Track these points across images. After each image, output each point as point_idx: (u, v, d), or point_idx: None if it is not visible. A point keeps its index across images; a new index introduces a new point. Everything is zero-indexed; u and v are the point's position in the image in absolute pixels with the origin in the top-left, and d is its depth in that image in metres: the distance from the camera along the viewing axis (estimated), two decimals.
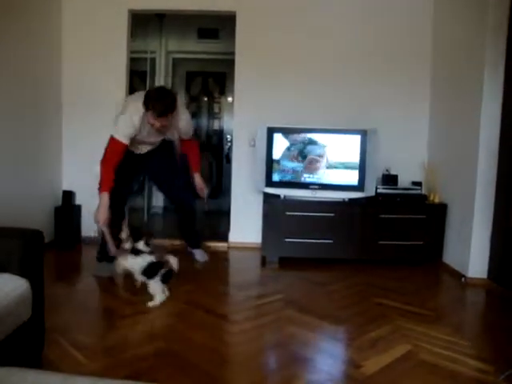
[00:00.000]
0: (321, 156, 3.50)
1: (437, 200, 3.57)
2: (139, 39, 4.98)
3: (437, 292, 3.11)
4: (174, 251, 3.66)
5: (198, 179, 3.22)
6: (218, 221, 4.50)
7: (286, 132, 3.50)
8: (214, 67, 5.79)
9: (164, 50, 5.63)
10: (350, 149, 3.49)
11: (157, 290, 2.50)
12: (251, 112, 3.91)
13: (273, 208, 3.46)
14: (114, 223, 2.69)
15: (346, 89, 3.91)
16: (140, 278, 2.54)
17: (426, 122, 3.93)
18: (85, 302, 2.60)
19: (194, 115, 5.78)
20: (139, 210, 5.09)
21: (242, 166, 3.98)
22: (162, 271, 2.49)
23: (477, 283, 3.07)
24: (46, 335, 1.81)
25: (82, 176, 3.78)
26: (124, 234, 2.61)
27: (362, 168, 3.46)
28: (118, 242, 2.65)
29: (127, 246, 2.60)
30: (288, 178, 3.52)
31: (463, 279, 3.14)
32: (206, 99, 5.98)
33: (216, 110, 5.99)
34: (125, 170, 2.92)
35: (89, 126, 3.91)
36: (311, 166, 3.50)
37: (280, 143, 3.50)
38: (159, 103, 2.60)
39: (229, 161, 5.47)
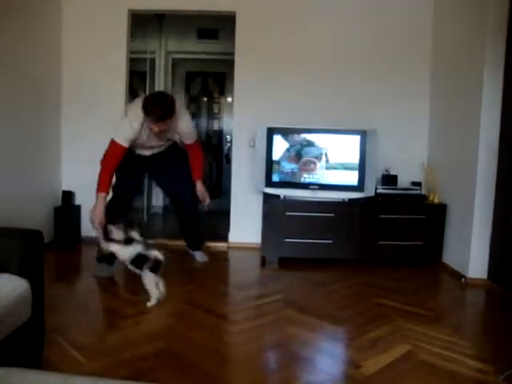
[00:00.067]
0: (317, 157, 3.50)
1: (436, 200, 3.58)
2: (139, 39, 4.98)
3: (436, 292, 3.11)
4: (173, 251, 3.67)
5: (199, 187, 3.17)
6: (218, 221, 4.49)
7: (285, 132, 3.50)
8: (213, 67, 5.79)
9: (164, 50, 5.63)
10: (349, 149, 3.49)
11: (150, 282, 2.51)
12: (251, 112, 3.91)
13: (273, 208, 3.46)
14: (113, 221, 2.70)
15: (346, 89, 3.91)
16: (130, 267, 2.56)
17: (426, 123, 3.93)
18: (85, 302, 2.60)
19: (194, 115, 5.77)
20: (139, 210, 5.09)
21: (241, 167, 3.98)
22: (150, 262, 2.50)
23: (477, 283, 3.07)
24: (45, 335, 1.81)
25: (81, 176, 3.78)
26: (115, 235, 2.61)
27: (362, 168, 3.46)
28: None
29: (119, 236, 2.59)
30: (287, 179, 3.52)
31: (463, 279, 3.14)
32: (205, 99, 5.98)
33: (216, 110, 5.99)
34: (131, 171, 2.98)
35: (88, 125, 3.91)
36: (306, 168, 3.50)
37: (280, 144, 3.50)
38: (157, 109, 2.61)
39: (228, 161, 5.47)
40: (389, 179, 3.67)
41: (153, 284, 2.52)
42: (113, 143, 2.75)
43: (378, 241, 3.47)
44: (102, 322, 2.40)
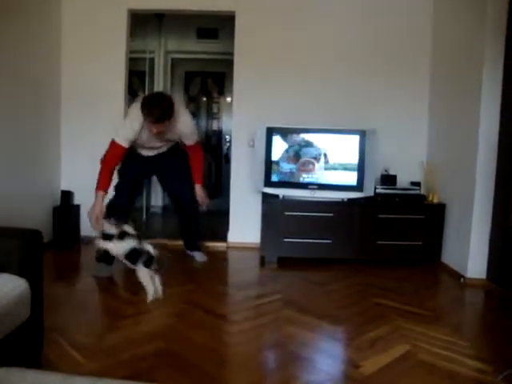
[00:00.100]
0: (316, 158, 3.50)
1: (436, 200, 3.58)
2: (138, 39, 4.97)
3: (436, 292, 3.12)
4: (173, 251, 3.67)
5: (199, 192, 3.17)
6: (217, 221, 4.49)
7: (285, 132, 3.50)
8: (213, 67, 5.78)
9: (163, 50, 5.62)
10: (348, 149, 3.49)
11: (145, 277, 2.53)
12: (250, 112, 3.91)
13: (272, 208, 3.47)
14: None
15: (346, 89, 3.91)
16: (124, 262, 2.59)
17: (425, 122, 3.94)
18: (84, 302, 2.60)
19: (193, 115, 5.71)
20: (138, 210, 5.08)
21: (240, 166, 3.98)
22: (144, 257, 2.53)
23: (476, 283, 3.08)
24: (45, 335, 1.81)
25: (80, 176, 3.78)
26: (107, 228, 2.63)
27: (361, 168, 3.46)
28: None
29: (112, 230, 2.62)
30: (286, 179, 3.52)
31: (462, 279, 3.14)
32: (204, 99, 5.97)
33: (215, 110, 5.98)
34: (133, 171, 3.03)
35: (88, 125, 3.91)
36: (304, 168, 3.50)
37: (279, 145, 3.50)
38: (155, 110, 2.61)
39: (228, 161, 5.47)
40: (388, 179, 3.67)
41: (148, 278, 2.54)
42: (113, 143, 2.78)
43: (377, 241, 3.48)
44: (101, 322, 2.40)
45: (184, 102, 5.74)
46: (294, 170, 3.51)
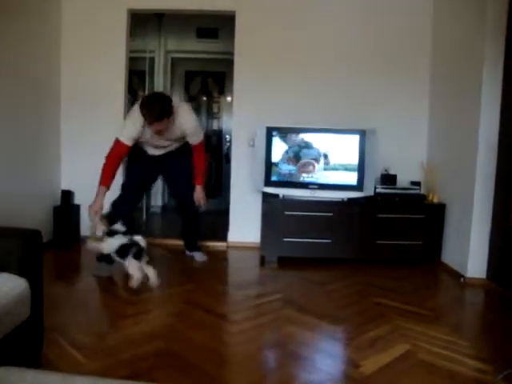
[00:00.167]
0: (316, 159, 3.50)
1: (436, 200, 3.58)
2: (138, 39, 4.98)
3: (435, 292, 3.12)
4: (173, 251, 3.68)
5: (198, 192, 3.19)
6: (217, 220, 4.49)
7: (285, 132, 3.50)
8: (213, 67, 5.78)
9: (163, 50, 5.62)
10: (348, 149, 3.49)
11: (134, 269, 2.62)
12: (250, 112, 3.91)
13: (272, 208, 3.47)
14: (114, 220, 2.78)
15: (346, 89, 3.91)
16: (116, 258, 2.68)
17: (425, 122, 3.94)
18: (84, 302, 2.60)
19: None
20: (138, 210, 5.08)
21: (241, 166, 3.98)
22: (133, 250, 2.61)
23: (475, 283, 3.08)
24: (44, 334, 1.81)
25: (80, 175, 3.79)
26: (98, 230, 2.72)
27: (361, 168, 3.46)
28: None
29: (100, 231, 2.71)
30: (286, 178, 3.52)
31: (462, 279, 3.14)
32: (204, 99, 5.97)
33: (215, 109, 5.98)
34: (141, 170, 3.11)
35: (88, 125, 3.91)
36: (304, 170, 3.50)
37: (279, 146, 3.50)
38: (152, 109, 2.67)
39: (228, 161, 5.47)
40: (388, 179, 3.68)
41: (136, 268, 2.61)
42: (117, 142, 2.85)
43: (377, 240, 3.48)
44: (101, 322, 2.40)
45: (184, 101, 5.74)
46: (293, 172, 3.51)
